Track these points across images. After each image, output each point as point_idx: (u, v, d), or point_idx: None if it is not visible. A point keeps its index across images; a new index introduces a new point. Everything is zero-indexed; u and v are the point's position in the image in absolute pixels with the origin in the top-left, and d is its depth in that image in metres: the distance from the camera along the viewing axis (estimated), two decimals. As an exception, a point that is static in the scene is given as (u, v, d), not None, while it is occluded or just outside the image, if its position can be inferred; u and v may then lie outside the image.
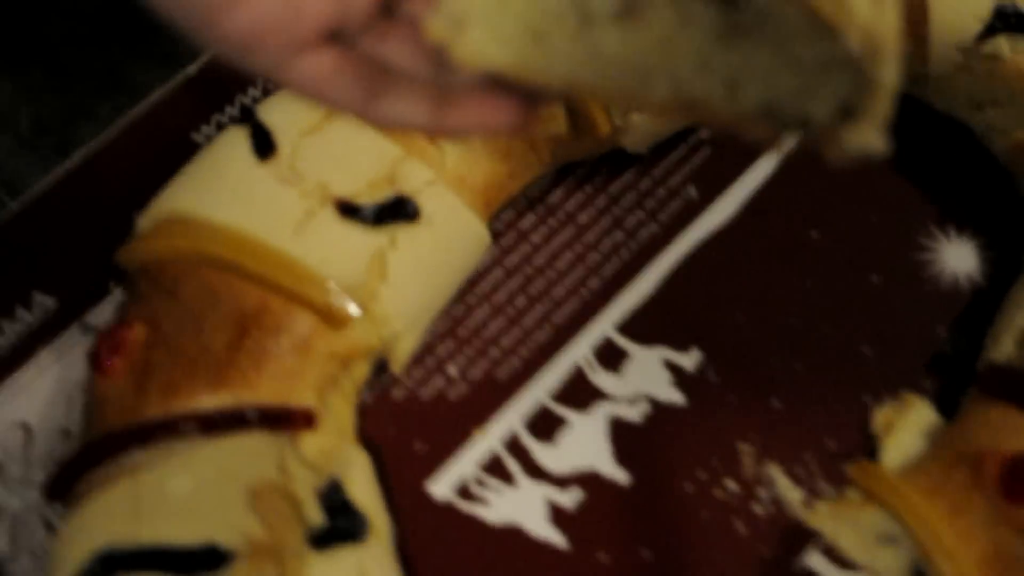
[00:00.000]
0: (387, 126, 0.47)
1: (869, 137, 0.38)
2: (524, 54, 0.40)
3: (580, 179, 0.66)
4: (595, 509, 0.58)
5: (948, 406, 0.59)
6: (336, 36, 0.42)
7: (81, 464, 0.54)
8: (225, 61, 0.43)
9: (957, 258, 0.64)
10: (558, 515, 0.58)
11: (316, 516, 0.53)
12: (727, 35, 0.38)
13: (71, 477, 0.54)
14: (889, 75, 0.37)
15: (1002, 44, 0.62)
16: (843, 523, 0.56)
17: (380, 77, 0.42)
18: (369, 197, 0.59)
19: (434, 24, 0.40)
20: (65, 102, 0.77)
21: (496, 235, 0.64)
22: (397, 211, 0.59)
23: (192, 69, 0.61)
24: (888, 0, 0.37)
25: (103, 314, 0.62)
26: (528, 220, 0.65)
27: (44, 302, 0.61)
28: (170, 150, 0.62)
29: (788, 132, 0.38)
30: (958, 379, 0.60)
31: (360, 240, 0.58)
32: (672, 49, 0.39)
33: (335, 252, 0.57)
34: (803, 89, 0.38)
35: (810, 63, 0.37)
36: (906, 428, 0.58)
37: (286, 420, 0.55)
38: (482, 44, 0.40)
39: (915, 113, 0.66)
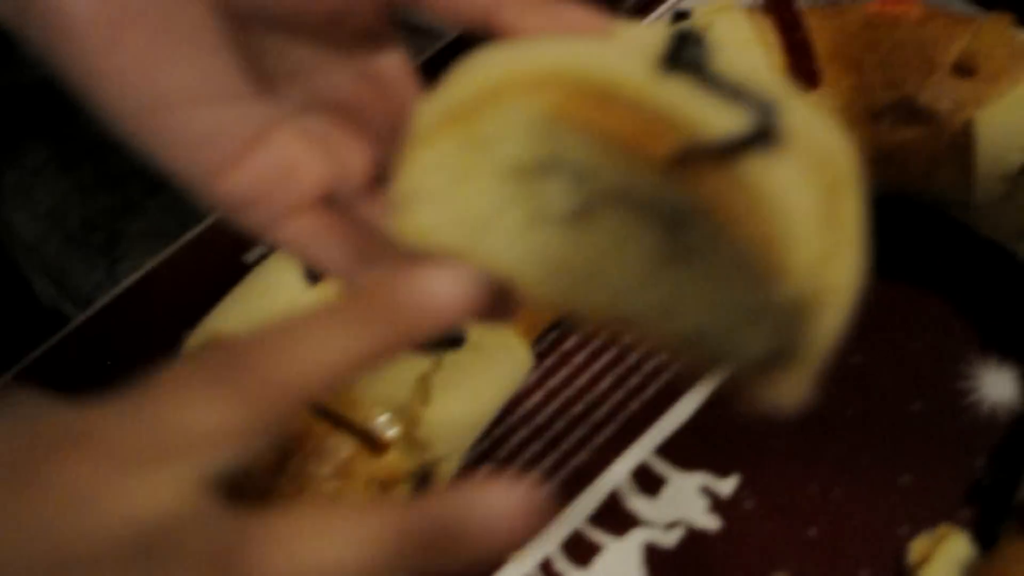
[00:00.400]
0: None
1: (792, 387, 0.37)
2: (468, 239, 0.39)
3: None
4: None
5: (985, 538, 0.58)
6: (331, 201, 0.43)
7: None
8: (224, 215, 0.43)
9: (997, 388, 0.64)
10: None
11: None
12: (668, 258, 0.36)
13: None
14: (824, 329, 0.36)
15: None
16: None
17: (370, 243, 0.43)
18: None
19: (393, 192, 0.39)
20: (114, 200, 0.79)
21: (539, 356, 0.65)
22: (443, 337, 0.60)
23: None
24: (845, 256, 0.37)
25: None
26: (571, 342, 0.66)
27: None
28: (221, 271, 0.63)
29: (715, 367, 0.37)
30: (996, 511, 0.59)
31: (404, 364, 0.59)
32: (616, 260, 0.37)
33: (380, 377, 0.59)
34: (735, 326, 0.36)
35: (742, 303, 0.36)
36: (941, 560, 0.58)
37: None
38: (428, 222, 0.39)
39: (960, 239, 0.66)
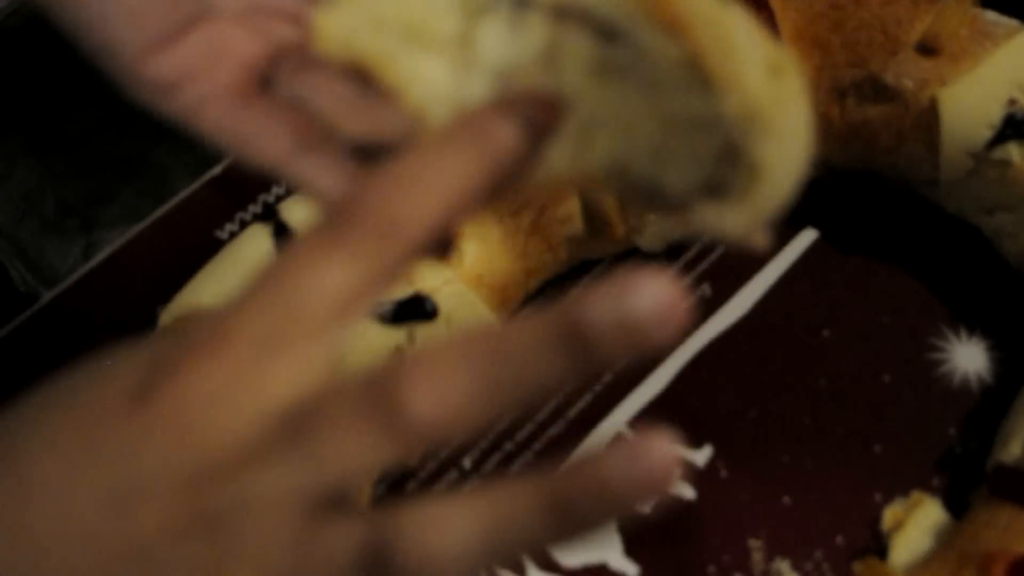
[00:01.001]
0: (299, 185, 0.44)
1: (739, 223, 0.35)
2: (389, 45, 0.37)
3: (596, 277, 0.68)
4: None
5: (957, 505, 0.59)
6: (266, 84, 0.42)
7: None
8: (149, 104, 0.43)
9: (968, 359, 0.65)
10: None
11: None
12: (597, 72, 0.35)
13: None
14: (769, 156, 0.34)
15: (1012, 150, 0.63)
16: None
17: (309, 131, 0.41)
18: (388, 296, 0.60)
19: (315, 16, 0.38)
20: (89, 186, 0.80)
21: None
22: (415, 309, 0.61)
23: (217, 169, 0.63)
24: (789, 79, 0.35)
25: None
26: (546, 318, 0.67)
27: None
28: (194, 246, 0.64)
29: (634, 199, 0.36)
30: (967, 479, 0.60)
31: (379, 337, 0.60)
32: (546, 71, 0.36)
33: (354, 348, 0.59)
34: (662, 150, 0.35)
35: (677, 118, 0.34)
36: (915, 526, 0.58)
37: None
38: (346, 24, 0.37)
39: (927, 216, 0.68)
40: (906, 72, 0.65)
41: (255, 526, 0.30)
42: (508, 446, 0.63)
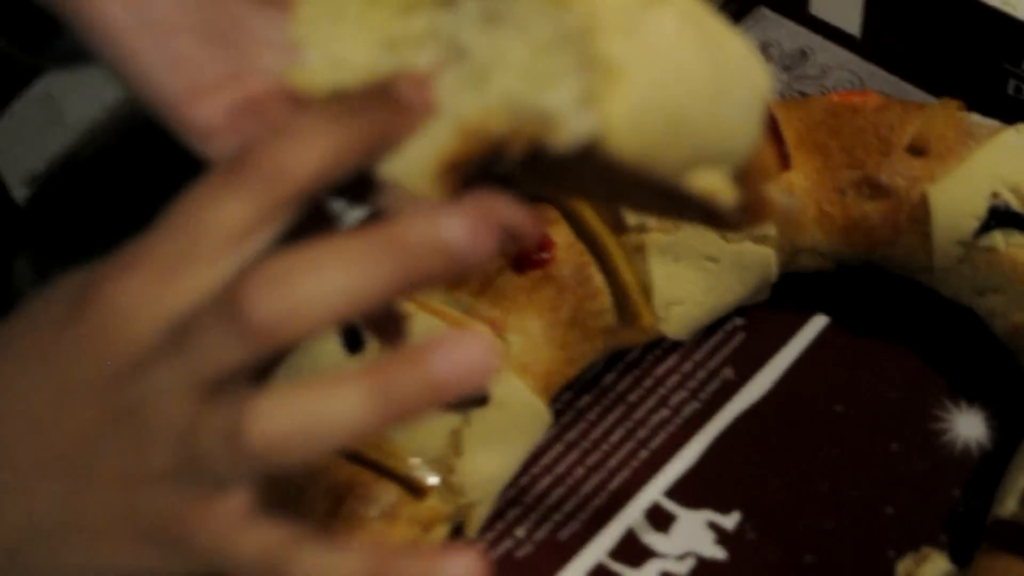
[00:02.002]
0: None
1: (598, 122, 0.35)
2: (340, 76, 0.41)
3: (629, 363, 0.74)
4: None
5: (962, 557, 0.64)
6: None
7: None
8: (193, 148, 0.46)
9: (968, 427, 0.70)
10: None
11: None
12: (484, 21, 0.37)
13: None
14: (614, 50, 0.35)
15: (997, 238, 0.68)
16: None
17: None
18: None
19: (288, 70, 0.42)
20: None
21: (557, 414, 0.71)
22: (471, 397, 0.67)
23: None
24: (664, 21, 0.36)
25: None
26: (584, 400, 0.73)
27: None
28: None
29: (536, 130, 0.36)
30: (971, 534, 0.65)
31: (439, 420, 0.65)
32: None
33: (418, 431, 0.65)
34: (538, 72, 0.36)
35: (542, 40, 0.36)
36: None
37: None
38: (310, 68, 0.42)
39: (926, 299, 0.73)
40: (899, 172, 0.71)
41: (156, 414, 0.36)
42: (557, 516, 0.68)
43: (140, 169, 1.03)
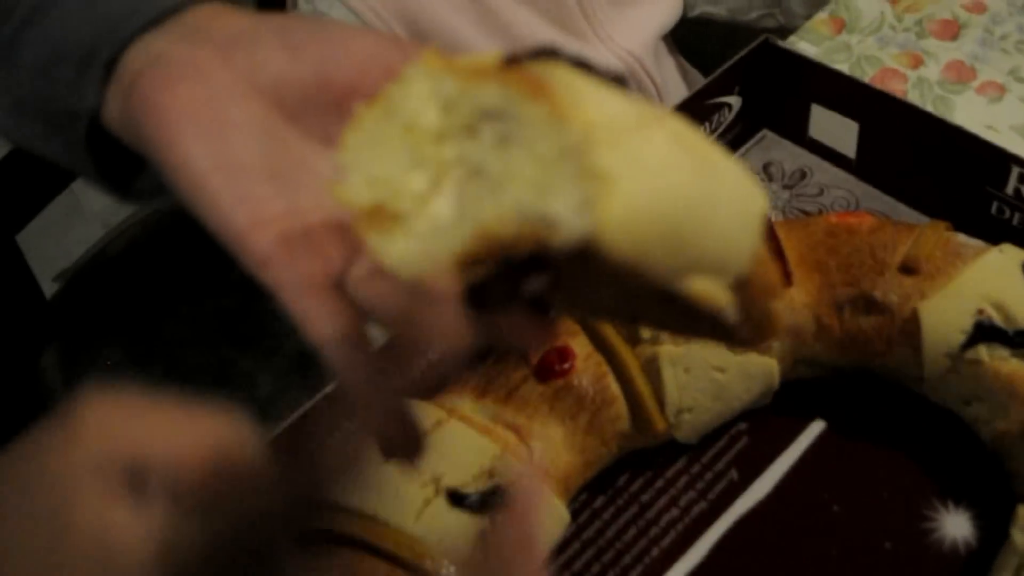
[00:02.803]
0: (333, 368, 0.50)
1: (588, 227, 0.39)
2: (382, 195, 0.44)
3: (642, 464, 0.79)
4: None
5: None
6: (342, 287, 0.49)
7: None
8: (250, 273, 0.49)
9: (955, 527, 0.74)
10: None
11: None
12: (498, 144, 0.41)
13: None
14: (607, 161, 0.38)
15: (982, 351, 0.73)
16: None
17: (357, 328, 0.48)
18: (474, 487, 0.71)
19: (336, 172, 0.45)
20: (183, 395, 0.91)
21: (574, 513, 0.77)
22: (496, 499, 0.71)
23: (329, 389, 0.75)
24: (655, 133, 0.41)
25: None
26: (600, 500, 0.78)
27: None
28: (300, 445, 0.74)
29: (540, 232, 0.40)
30: None
31: (467, 522, 0.70)
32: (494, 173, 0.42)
33: (447, 533, 0.69)
34: (543, 182, 0.40)
35: (547, 155, 0.40)
36: None
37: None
38: (353, 187, 0.45)
39: (916, 406, 0.78)
40: (892, 289, 0.76)
41: None
42: (576, 611, 0.74)
43: (164, 266, 1.08)
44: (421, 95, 0.44)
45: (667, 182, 0.40)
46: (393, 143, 0.45)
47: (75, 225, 1.30)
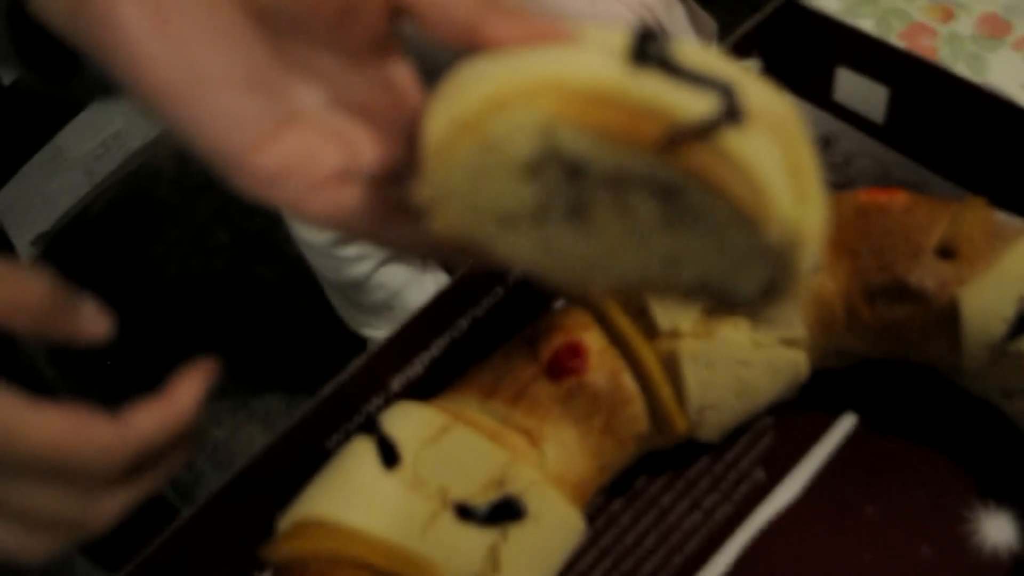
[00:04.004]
0: (397, 247, 0.51)
1: (784, 311, 0.46)
2: (490, 232, 0.45)
3: (661, 464, 0.75)
4: None
5: None
6: (349, 177, 0.48)
7: None
8: (250, 196, 0.48)
9: (996, 530, 0.71)
10: None
11: None
12: (666, 223, 0.43)
13: None
14: (805, 263, 0.42)
15: None
16: None
17: (390, 206, 0.48)
18: (482, 499, 0.67)
19: (419, 193, 0.45)
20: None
21: (590, 518, 0.72)
22: (507, 511, 0.67)
23: (327, 390, 0.70)
24: (812, 200, 0.43)
25: None
26: (617, 504, 0.74)
27: None
28: (306, 457, 0.70)
29: (719, 306, 0.45)
30: None
31: (477, 538, 0.66)
32: (617, 250, 0.44)
33: (455, 550, 0.65)
34: (731, 271, 0.43)
35: (736, 250, 0.43)
36: None
37: None
38: (457, 217, 0.45)
39: (955, 399, 0.74)
40: (928, 275, 0.71)
41: None
42: (594, 627, 0.70)
43: (145, 229, 1.03)
44: (529, 132, 0.43)
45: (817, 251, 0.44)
46: (495, 176, 0.44)
47: (56, 173, 1.24)
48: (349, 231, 0.50)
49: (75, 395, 0.92)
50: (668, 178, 0.42)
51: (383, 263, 0.94)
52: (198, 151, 0.48)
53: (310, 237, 0.91)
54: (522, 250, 0.46)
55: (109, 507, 0.48)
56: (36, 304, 0.46)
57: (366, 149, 0.50)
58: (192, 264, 1.00)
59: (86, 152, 1.24)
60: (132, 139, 1.11)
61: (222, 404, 0.93)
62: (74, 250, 1.09)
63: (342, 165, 0.49)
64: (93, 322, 0.48)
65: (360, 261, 0.93)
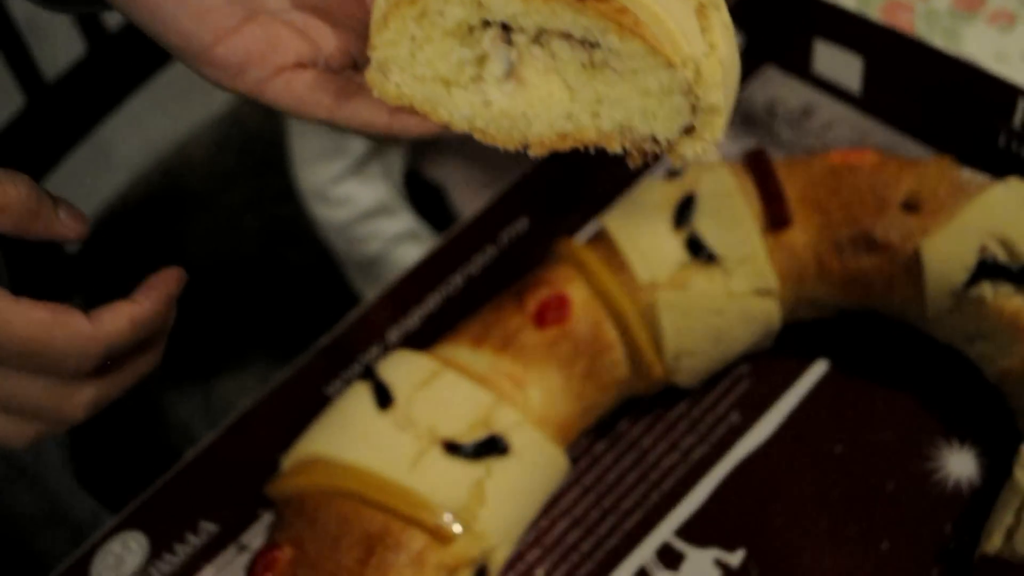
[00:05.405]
0: (352, 127, 0.55)
1: (703, 148, 0.49)
2: (431, 96, 0.51)
3: (642, 409, 0.79)
4: None
5: None
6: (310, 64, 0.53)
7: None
8: (215, 83, 0.53)
9: (959, 465, 0.74)
10: None
11: None
12: (589, 71, 0.50)
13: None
14: (716, 98, 0.48)
15: (986, 289, 0.72)
16: None
17: (346, 88, 0.53)
18: (469, 437, 0.71)
19: (368, 71, 0.51)
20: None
21: (574, 459, 0.77)
22: (491, 448, 0.71)
23: (326, 340, 0.75)
24: (720, 51, 0.49)
25: (256, 536, 0.75)
26: (600, 446, 0.78)
27: (208, 528, 0.74)
28: (307, 402, 0.75)
29: (640, 146, 0.50)
30: (961, 569, 0.69)
31: (462, 472, 0.70)
32: (548, 101, 0.50)
33: (442, 483, 0.70)
34: (650, 112, 0.50)
35: (652, 89, 0.49)
36: None
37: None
38: (401, 85, 0.51)
39: (921, 345, 0.77)
40: (893, 227, 0.75)
41: None
42: (574, 557, 0.74)
43: (187, 214, 1.08)
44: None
45: (733, 77, 0.51)
46: (433, 44, 0.50)
47: (101, 172, 1.30)
48: (307, 114, 0.54)
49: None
50: (588, 27, 0.48)
51: (397, 242, 0.99)
52: (165, 45, 0.52)
53: (328, 216, 0.96)
54: (462, 111, 0.52)
55: (83, 399, 0.52)
56: (17, 206, 0.50)
57: (326, 42, 0.55)
58: (222, 250, 1.06)
59: (129, 150, 1.29)
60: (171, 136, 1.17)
61: (251, 380, 0.98)
62: (111, 239, 1.15)
63: (302, 55, 0.53)
64: (70, 223, 0.53)
65: (374, 240, 0.98)
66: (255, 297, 1.01)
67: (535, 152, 0.52)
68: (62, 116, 1.07)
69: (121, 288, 0.52)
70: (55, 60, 1.09)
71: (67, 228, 0.53)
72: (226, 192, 1.06)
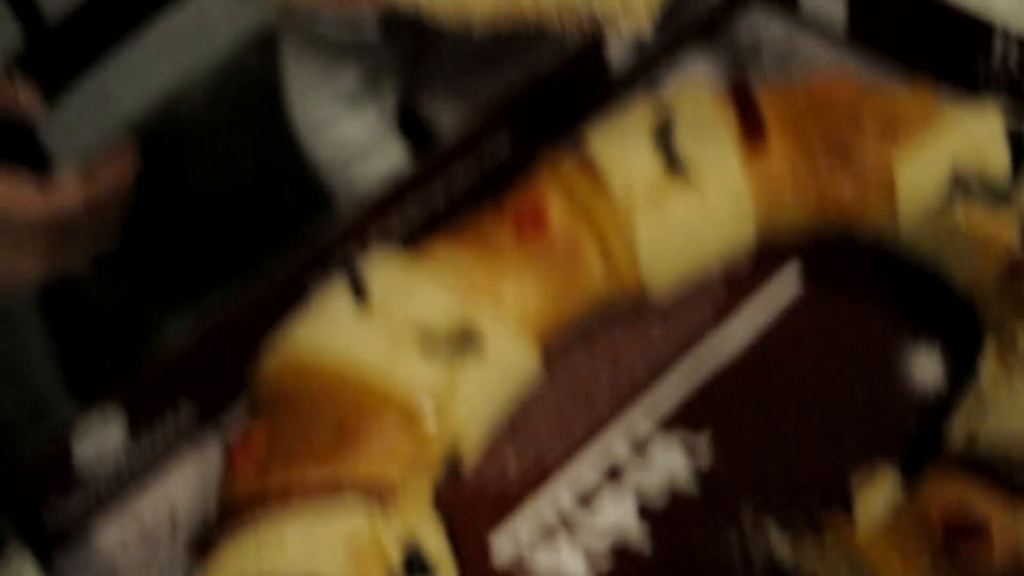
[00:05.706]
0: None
1: (639, 24, 0.52)
2: None
3: (618, 319, 0.80)
4: (623, 554, 0.71)
5: (910, 479, 0.69)
6: None
7: (219, 522, 0.69)
8: None
9: (925, 368, 0.75)
10: (594, 560, 0.70)
11: (399, 571, 0.66)
12: None
13: (211, 534, 0.70)
14: None
15: (958, 207, 0.74)
16: (820, 560, 0.67)
17: None
18: (443, 332, 0.72)
19: None
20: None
21: (547, 365, 0.78)
22: (464, 342, 0.73)
23: (310, 237, 0.77)
24: None
25: (234, 416, 0.77)
26: (573, 352, 0.79)
27: (189, 407, 0.75)
28: (290, 298, 0.76)
29: (579, 24, 0.52)
30: (920, 456, 0.70)
31: (436, 365, 0.72)
32: None
33: (416, 375, 0.71)
34: None
35: None
36: (877, 491, 0.69)
37: (376, 490, 0.69)
38: None
39: (894, 266, 0.79)
40: (869, 149, 0.77)
41: None
42: (543, 439, 0.76)
43: (185, 158, 1.10)
44: None
45: None
46: None
47: (98, 116, 1.29)
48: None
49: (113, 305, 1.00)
50: None
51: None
52: None
53: (322, 153, 0.98)
54: None
55: (32, 265, 0.54)
56: None
57: None
58: (217, 191, 1.08)
59: (126, 94, 1.28)
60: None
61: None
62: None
63: None
64: (29, 100, 0.55)
65: (367, 177, 0.99)
66: (249, 232, 1.03)
67: (477, 29, 0.53)
68: (61, 58, 1.09)
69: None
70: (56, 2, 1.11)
71: (25, 104, 0.54)
72: (222, 136, 1.08)
